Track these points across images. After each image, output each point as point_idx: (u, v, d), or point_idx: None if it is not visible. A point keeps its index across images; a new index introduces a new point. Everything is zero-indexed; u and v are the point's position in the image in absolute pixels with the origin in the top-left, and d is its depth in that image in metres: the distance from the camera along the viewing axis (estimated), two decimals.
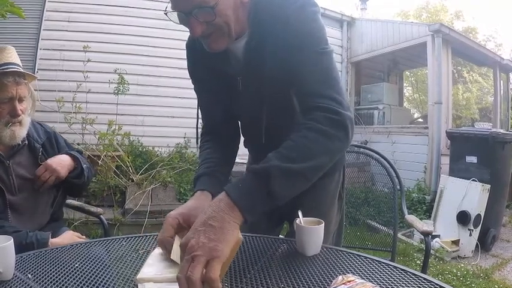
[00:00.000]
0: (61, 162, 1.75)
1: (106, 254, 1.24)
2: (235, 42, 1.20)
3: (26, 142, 1.74)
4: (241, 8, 1.16)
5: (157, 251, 1.17)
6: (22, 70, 1.65)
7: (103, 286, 1.00)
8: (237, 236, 0.90)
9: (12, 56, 1.67)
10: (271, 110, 1.26)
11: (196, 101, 1.48)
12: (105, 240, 1.40)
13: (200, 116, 1.47)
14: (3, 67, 1.59)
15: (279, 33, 1.13)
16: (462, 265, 3.95)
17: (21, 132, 1.65)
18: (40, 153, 1.78)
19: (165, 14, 1.11)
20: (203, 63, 1.32)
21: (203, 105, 1.46)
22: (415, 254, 4.23)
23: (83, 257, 1.20)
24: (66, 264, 1.13)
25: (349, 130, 1.05)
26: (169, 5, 1.10)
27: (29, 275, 1.04)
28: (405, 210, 2.18)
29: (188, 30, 1.12)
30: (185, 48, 1.41)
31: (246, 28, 1.19)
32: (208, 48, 1.18)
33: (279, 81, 1.17)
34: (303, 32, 1.11)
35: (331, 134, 1.02)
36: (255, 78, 1.24)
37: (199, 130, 1.50)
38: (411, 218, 2.04)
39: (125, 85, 5.00)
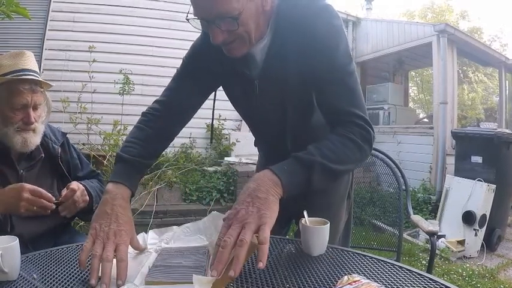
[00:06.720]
0: (84, 194, 1.65)
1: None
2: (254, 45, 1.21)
3: (43, 155, 1.70)
4: (262, 15, 1.16)
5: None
6: (40, 78, 1.60)
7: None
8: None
9: (31, 62, 1.62)
10: (294, 114, 1.33)
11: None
12: None
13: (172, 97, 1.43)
14: (21, 73, 1.55)
15: (305, 45, 1.16)
16: (467, 265, 3.94)
17: (34, 140, 1.59)
18: (59, 159, 1.74)
19: (187, 20, 1.12)
20: (218, 59, 1.29)
21: (178, 86, 1.42)
22: (420, 254, 4.23)
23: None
24: (71, 264, 1.13)
25: (372, 145, 1.24)
26: (192, 9, 1.10)
27: (35, 275, 1.04)
28: (410, 210, 2.18)
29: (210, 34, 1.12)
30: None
31: (265, 32, 1.20)
32: (228, 53, 1.18)
33: (301, 88, 1.25)
34: (331, 49, 1.16)
35: (361, 146, 1.17)
36: (275, 83, 1.26)
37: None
38: (416, 218, 2.04)
39: (130, 85, 5.00)
